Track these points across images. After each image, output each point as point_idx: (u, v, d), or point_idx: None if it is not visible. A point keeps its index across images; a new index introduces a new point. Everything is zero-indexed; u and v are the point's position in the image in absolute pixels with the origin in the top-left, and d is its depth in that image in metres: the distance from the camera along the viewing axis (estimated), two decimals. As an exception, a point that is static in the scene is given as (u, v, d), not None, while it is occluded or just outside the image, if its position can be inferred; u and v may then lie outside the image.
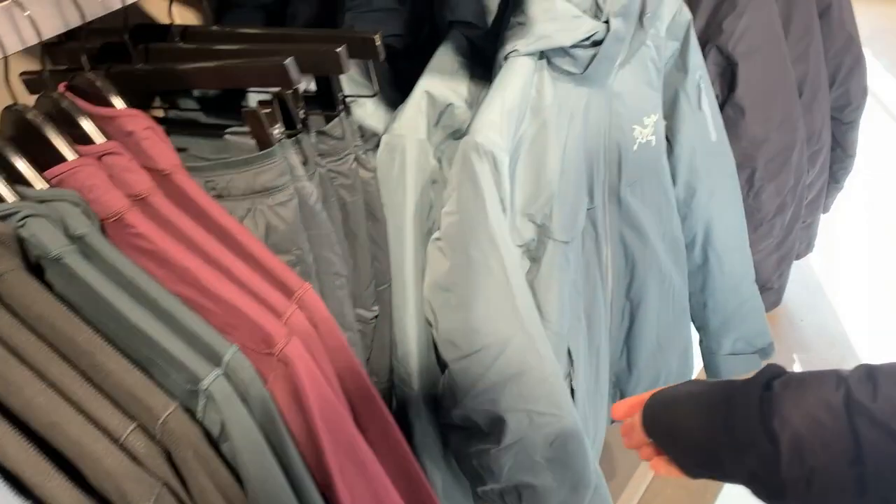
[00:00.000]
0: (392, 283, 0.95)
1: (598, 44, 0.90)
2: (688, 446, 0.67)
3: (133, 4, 0.70)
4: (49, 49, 0.84)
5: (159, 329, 0.60)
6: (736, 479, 0.62)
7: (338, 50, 0.70)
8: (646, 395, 0.72)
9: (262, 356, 0.65)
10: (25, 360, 0.55)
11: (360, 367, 0.74)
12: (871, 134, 1.73)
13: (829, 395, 0.57)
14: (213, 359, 0.61)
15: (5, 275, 0.58)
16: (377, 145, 0.95)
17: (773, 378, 0.61)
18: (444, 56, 0.94)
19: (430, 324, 0.96)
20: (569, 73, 0.92)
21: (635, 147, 1.07)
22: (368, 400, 0.76)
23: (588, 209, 1.03)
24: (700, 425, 0.65)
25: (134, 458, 0.54)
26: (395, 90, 1.02)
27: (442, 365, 0.99)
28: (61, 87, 0.73)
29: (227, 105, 0.96)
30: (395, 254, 0.94)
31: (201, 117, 0.89)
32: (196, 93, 0.95)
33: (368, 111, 0.98)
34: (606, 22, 0.89)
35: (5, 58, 0.64)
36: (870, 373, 0.57)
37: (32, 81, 0.83)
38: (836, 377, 0.58)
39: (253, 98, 0.98)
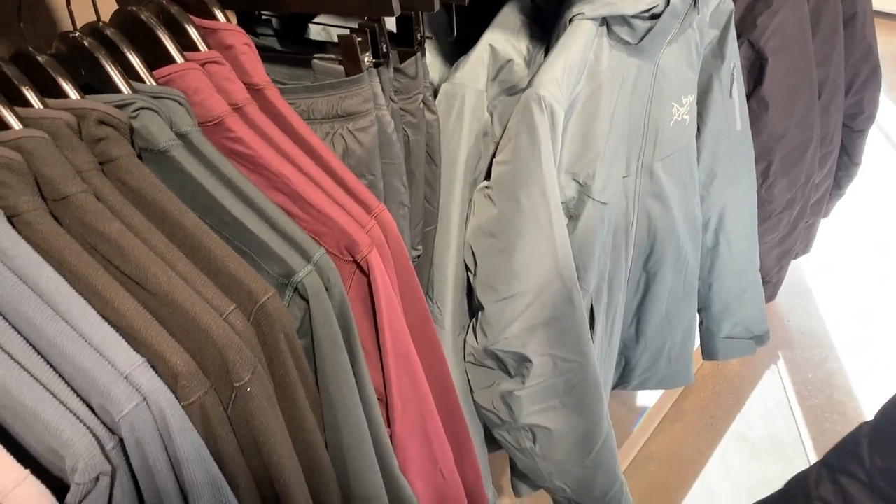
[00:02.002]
0: (437, 226, 0.99)
1: (655, 17, 0.96)
2: None
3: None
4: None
5: (257, 223, 0.65)
6: None
7: (432, -12, 0.75)
8: None
9: (342, 263, 0.70)
10: (138, 236, 0.59)
11: (420, 289, 0.79)
12: (866, 150, 1.82)
13: None
14: (305, 257, 0.65)
15: (120, 159, 0.62)
16: (434, 94, 0.99)
17: None
18: (509, 14, 0.98)
19: (467, 268, 1.02)
20: (625, 43, 0.97)
21: (671, 123, 1.12)
22: (423, 321, 0.81)
23: (623, 177, 1.09)
24: None
25: (237, 333, 0.59)
26: (451, 46, 1.07)
27: (474, 309, 1.04)
28: (165, -2, 0.76)
29: (291, 36, 1.00)
30: (444, 197, 0.98)
31: (276, 45, 0.93)
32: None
33: (427, 60, 1.03)
34: (667, -3, 0.94)
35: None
36: None
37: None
38: None
39: (315, 30, 1.02)
